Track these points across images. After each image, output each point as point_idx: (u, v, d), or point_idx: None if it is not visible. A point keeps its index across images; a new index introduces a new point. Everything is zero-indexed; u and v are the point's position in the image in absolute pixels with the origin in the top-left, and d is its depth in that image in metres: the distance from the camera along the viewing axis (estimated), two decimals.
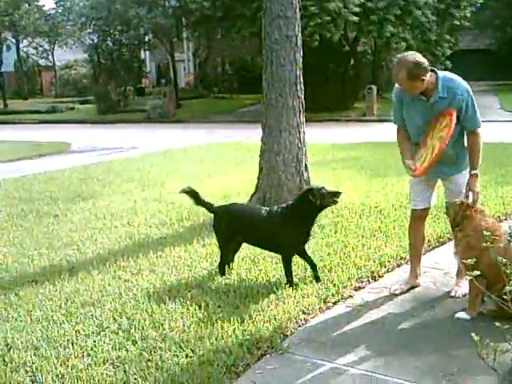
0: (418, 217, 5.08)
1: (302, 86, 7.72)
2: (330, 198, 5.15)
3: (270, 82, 7.67)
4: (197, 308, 4.62)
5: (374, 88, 24.63)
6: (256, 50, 22.35)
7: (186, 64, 47.71)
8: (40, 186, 10.72)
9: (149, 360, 3.86)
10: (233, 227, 5.31)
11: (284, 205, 5.40)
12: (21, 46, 53.83)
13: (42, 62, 57.52)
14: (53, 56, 55.06)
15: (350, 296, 4.94)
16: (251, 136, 16.38)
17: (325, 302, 4.77)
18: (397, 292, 4.98)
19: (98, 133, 23.84)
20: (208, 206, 5.49)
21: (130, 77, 36.85)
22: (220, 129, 22.57)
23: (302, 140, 7.66)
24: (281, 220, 5.16)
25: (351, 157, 12.77)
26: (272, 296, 4.81)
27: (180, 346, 4.01)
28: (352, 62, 28.39)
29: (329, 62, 25.66)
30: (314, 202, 5.03)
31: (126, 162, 13.72)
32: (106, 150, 17.00)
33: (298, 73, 7.65)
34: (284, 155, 7.54)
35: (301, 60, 7.71)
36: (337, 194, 5.20)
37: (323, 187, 5.17)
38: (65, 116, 33.86)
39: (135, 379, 3.64)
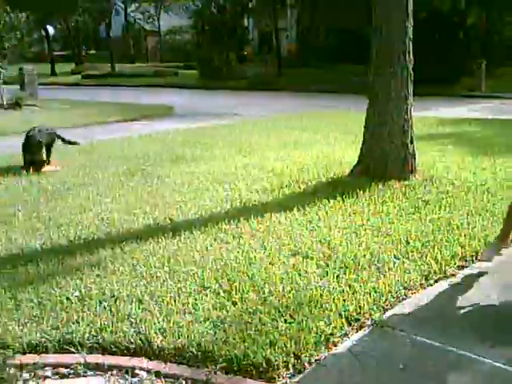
0: None
1: (412, 57, 7.50)
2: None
3: (378, 50, 7.50)
4: (296, 275, 4.62)
5: (484, 63, 23.57)
6: (362, 19, 21.85)
7: (289, 32, 47.41)
8: (145, 147, 11.03)
9: (248, 322, 3.89)
10: None
11: None
12: (128, 10, 55.24)
13: (147, 26, 58.84)
14: (158, 21, 56.14)
15: (453, 274, 4.79)
16: (354, 106, 16.17)
17: (427, 278, 4.65)
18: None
19: (200, 98, 24.22)
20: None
21: (233, 43, 37.06)
22: (322, 98, 22.38)
23: (408, 112, 7.47)
24: None
25: (457, 132, 12.34)
26: (373, 268, 4.74)
27: (279, 311, 4.02)
28: (461, 34, 27.29)
29: (436, 33, 24.78)
30: None
31: (228, 128, 13.87)
32: (207, 116, 17.26)
33: (407, 42, 7.44)
34: (390, 126, 7.38)
35: (411, 29, 7.48)
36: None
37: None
38: (168, 80, 34.63)
39: (234, 339, 3.68)
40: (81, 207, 6.87)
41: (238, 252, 5.16)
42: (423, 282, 4.60)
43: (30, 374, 3.45)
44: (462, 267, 4.94)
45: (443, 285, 4.62)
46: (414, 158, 7.66)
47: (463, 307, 4.27)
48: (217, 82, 30.73)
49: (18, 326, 3.94)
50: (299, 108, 18.75)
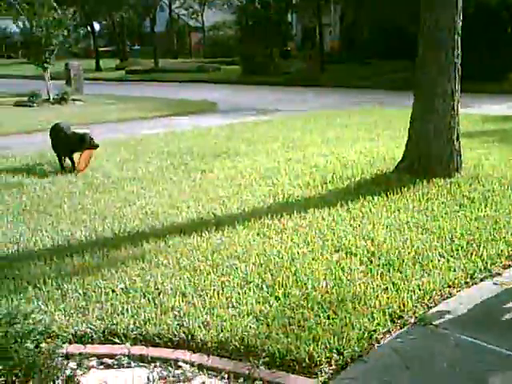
0: None
1: (460, 52, 7.37)
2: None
3: (425, 46, 7.39)
4: (340, 271, 4.60)
5: None
6: (406, 16, 21.56)
7: (333, 28, 47.10)
8: (188, 142, 11.12)
9: (291, 317, 3.90)
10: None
11: None
12: (173, 6, 55.59)
13: (191, 22, 59.14)
14: (202, 17, 56.36)
15: (498, 273, 4.71)
16: (397, 102, 16.00)
17: (472, 277, 4.58)
18: None
19: (243, 94, 24.25)
20: None
21: (276, 39, 36.93)
22: (365, 94, 22.16)
23: (455, 108, 7.35)
24: None
25: (503, 130, 12.07)
26: (417, 266, 4.69)
27: (322, 307, 4.02)
28: (509, 29, 26.63)
29: (484, 28, 24.27)
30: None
31: (270, 123, 13.88)
32: (250, 111, 17.27)
33: (455, 37, 7.31)
34: (435, 123, 7.28)
35: (460, 24, 7.34)
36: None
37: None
38: (211, 76, 34.75)
39: (277, 334, 3.69)
40: (125, 201, 6.97)
41: (281, 247, 5.17)
42: (468, 280, 4.54)
43: (76, 364, 3.52)
44: (508, 266, 4.85)
45: (488, 283, 4.55)
46: (460, 155, 7.54)
47: (509, 306, 4.19)
48: (260, 77, 30.66)
49: (65, 316, 4.02)
50: (341, 104, 18.64)
